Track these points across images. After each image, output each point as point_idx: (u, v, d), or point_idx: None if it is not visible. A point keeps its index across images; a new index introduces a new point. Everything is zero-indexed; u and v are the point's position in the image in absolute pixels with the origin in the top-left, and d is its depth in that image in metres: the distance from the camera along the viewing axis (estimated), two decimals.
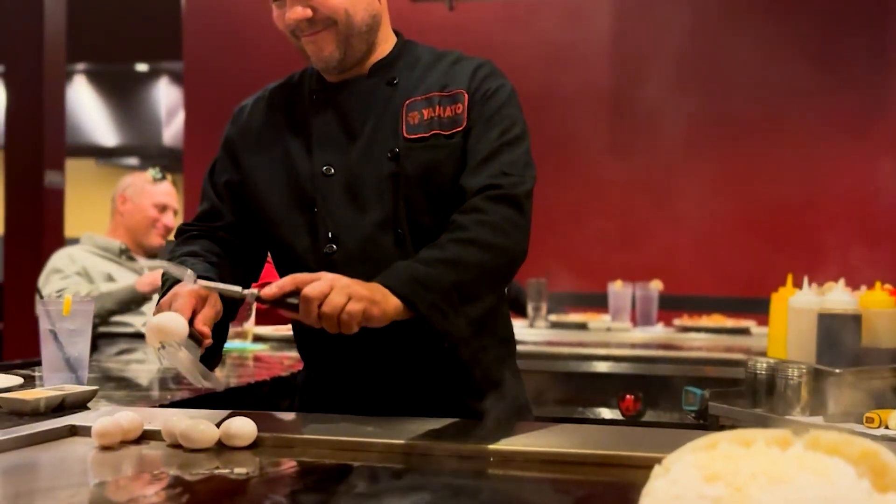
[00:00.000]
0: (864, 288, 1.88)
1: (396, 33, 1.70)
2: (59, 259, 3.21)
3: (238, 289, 1.37)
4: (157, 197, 3.34)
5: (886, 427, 1.58)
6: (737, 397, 1.87)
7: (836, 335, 1.75)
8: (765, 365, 1.79)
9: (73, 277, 3.14)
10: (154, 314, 1.43)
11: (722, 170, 4.88)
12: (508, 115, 1.60)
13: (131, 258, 3.29)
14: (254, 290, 1.35)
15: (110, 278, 3.18)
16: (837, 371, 1.68)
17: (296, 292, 1.33)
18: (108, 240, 3.29)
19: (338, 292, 1.32)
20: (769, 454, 0.76)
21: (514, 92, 1.63)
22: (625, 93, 5.06)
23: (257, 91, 1.76)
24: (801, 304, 1.85)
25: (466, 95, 1.59)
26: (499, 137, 1.57)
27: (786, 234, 4.71)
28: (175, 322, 1.35)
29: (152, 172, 3.38)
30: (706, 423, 1.88)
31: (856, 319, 1.76)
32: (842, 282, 1.87)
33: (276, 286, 1.33)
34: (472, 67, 1.62)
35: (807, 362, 1.76)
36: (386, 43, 1.66)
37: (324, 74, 1.65)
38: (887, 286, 1.84)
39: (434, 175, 1.57)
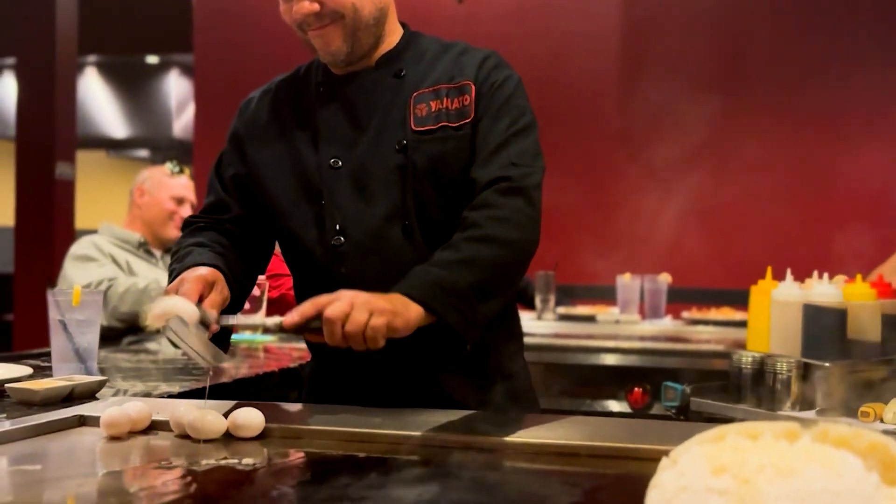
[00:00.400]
0: (842, 280, 1.86)
1: (403, 25, 1.70)
2: (86, 247, 3.18)
3: (259, 320, 1.38)
4: (175, 190, 3.33)
5: (881, 421, 1.56)
6: (719, 392, 1.83)
7: (823, 328, 1.72)
8: (750, 359, 1.75)
9: (111, 266, 3.13)
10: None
11: (732, 162, 4.86)
12: (517, 106, 1.60)
13: (149, 252, 3.28)
14: (276, 320, 1.35)
15: (131, 270, 3.18)
16: (827, 364, 1.66)
17: (318, 315, 1.33)
18: (127, 232, 3.28)
19: (359, 309, 1.32)
20: (777, 446, 0.76)
21: (521, 82, 1.63)
22: (634, 84, 5.04)
23: (265, 84, 1.76)
24: (785, 296, 1.81)
25: (473, 87, 1.59)
26: (507, 128, 1.57)
27: (796, 227, 4.69)
28: (184, 306, 1.35)
29: (170, 166, 3.38)
30: (688, 420, 1.83)
31: (841, 312, 1.73)
32: (825, 274, 1.84)
33: (297, 313, 1.33)
34: (479, 59, 1.62)
35: (792, 356, 1.73)
36: (393, 35, 1.66)
37: (331, 67, 1.65)
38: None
39: (442, 167, 1.57)
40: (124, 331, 2.99)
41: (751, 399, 1.75)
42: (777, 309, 1.82)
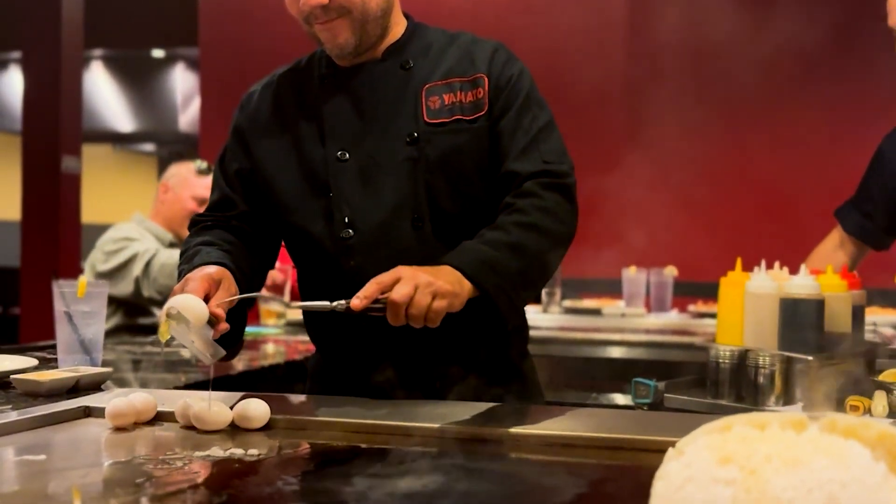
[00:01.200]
0: (786, 270, 1.83)
1: (406, 16, 1.69)
2: (123, 230, 3.17)
3: (326, 303, 1.38)
4: (198, 190, 3.30)
5: (870, 414, 1.53)
6: (695, 387, 1.78)
7: (801, 321, 1.67)
8: (728, 353, 1.70)
9: (152, 242, 3.13)
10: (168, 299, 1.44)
11: (738, 155, 4.85)
12: (536, 101, 1.62)
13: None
14: (342, 302, 1.36)
15: None
16: (810, 358, 1.62)
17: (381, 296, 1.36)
18: (159, 228, 3.27)
19: (422, 292, 1.35)
20: (784, 437, 0.76)
21: (531, 74, 1.64)
22: (640, 79, 5.03)
23: (265, 77, 1.76)
24: (761, 288, 1.74)
25: (487, 79, 1.59)
26: (531, 124, 1.59)
27: (802, 221, 4.68)
28: (193, 303, 1.35)
29: (198, 164, 3.35)
30: None
31: (819, 304, 1.68)
32: (802, 266, 1.80)
33: (363, 296, 1.35)
34: (489, 50, 1.63)
35: (768, 349, 1.68)
36: (398, 26, 1.66)
37: (336, 60, 1.64)
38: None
39: (455, 159, 1.57)
40: (144, 311, 3.02)
41: (730, 394, 1.69)
42: (751, 301, 1.76)
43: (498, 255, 1.46)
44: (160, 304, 3.03)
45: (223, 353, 1.40)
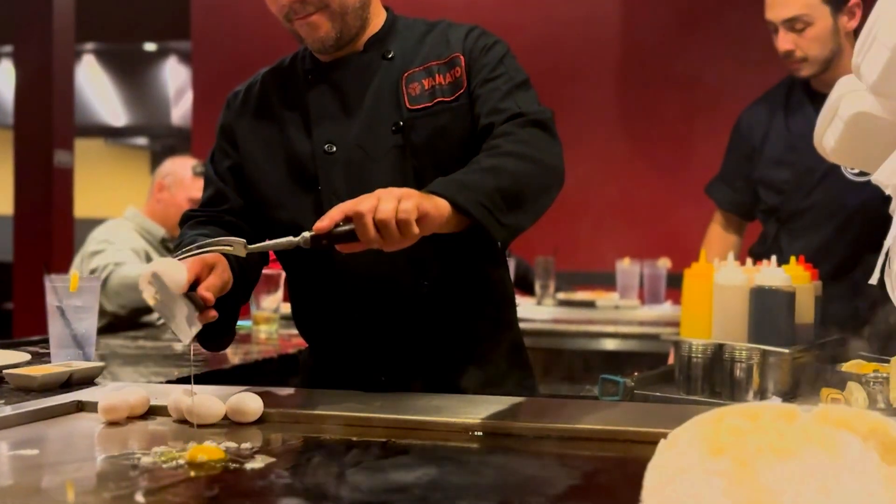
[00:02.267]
0: (749, 263, 1.82)
1: (386, 8, 1.70)
2: (105, 232, 3.11)
3: (290, 239, 1.33)
4: (194, 192, 3.23)
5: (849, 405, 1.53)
6: (666, 383, 1.75)
7: (774, 313, 1.64)
8: (701, 347, 1.67)
9: (125, 251, 3.10)
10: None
11: None
12: (511, 65, 1.61)
13: (169, 249, 3.24)
14: (305, 234, 1.31)
15: (149, 261, 3.13)
16: (786, 350, 1.62)
17: (346, 220, 1.31)
18: (154, 224, 3.24)
19: (385, 198, 1.29)
20: (776, 427, 0.76)
21: (510, 48, 1.64)
22: (633, 70, 5.03)
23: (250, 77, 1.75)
24: (730, 280, 1.71)
25: (463, 58, 1.60)
26: (507, 83, 1.58)
27: None
28: (173, 267, 1.31)
29: (195, 166, 3.32)
30: None
31: (791, 296, 1.66)
32: (773, 258, 1.78)
33: (326, 218, 1.30)
34: (465, 31, 1.63)
35: (738, 342, 1.66)
36: (377, 17, 1.66)
37: (318, 55, 1.64)
38: None
39: (441, 141, 1.57)
40: (126, 322, 2.98)
41: (703, 389, 1.66)
42: (720, 293, 1.73)
43: (470, 176, 1.41)
44: (126, 319, 2.96)
45: (199, 327, 1.35)
